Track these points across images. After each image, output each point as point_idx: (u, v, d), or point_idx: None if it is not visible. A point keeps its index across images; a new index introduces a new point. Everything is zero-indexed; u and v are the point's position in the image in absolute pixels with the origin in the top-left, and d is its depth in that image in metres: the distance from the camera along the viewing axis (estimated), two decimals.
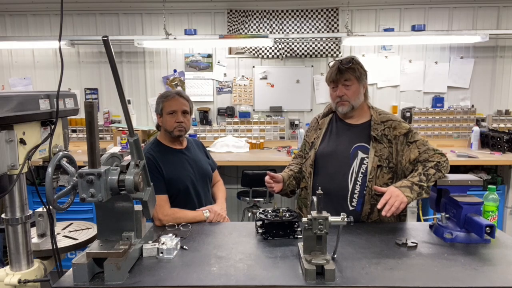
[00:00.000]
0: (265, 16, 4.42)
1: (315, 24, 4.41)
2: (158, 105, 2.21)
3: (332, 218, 1.39)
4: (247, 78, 4.57)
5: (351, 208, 1.95)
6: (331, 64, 2.04)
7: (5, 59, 4.57)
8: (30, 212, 1.50)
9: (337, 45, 4.43)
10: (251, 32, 4.43)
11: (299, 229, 1.71)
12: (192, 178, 2.18)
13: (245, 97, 4.61)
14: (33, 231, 1.67)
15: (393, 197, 1.74)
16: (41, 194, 1.47)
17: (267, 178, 2.04)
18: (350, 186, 1.95)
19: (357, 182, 1.94)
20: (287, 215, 1.75)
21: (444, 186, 1.82)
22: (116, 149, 4.17)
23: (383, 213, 1.73)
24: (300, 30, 4.42)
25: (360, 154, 1.96)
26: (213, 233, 1.82)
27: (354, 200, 1.95)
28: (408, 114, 4.44)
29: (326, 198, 1.51)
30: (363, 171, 1.94)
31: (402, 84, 4.52)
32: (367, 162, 1.94)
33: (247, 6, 4.41)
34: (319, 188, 1.43)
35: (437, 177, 1.83)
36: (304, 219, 1.41)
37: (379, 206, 1.75)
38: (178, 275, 1.38)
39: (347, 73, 1.94)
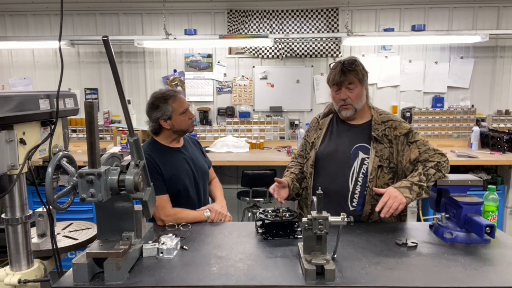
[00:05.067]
0: (265, 16, 4.42)
1: (315, 24, 4.41)
2: (162, 110, 2.07)
3: (332, 218, 1.39)
4: (247, 78, 4.57)
5: (351, 208, 1.94)
6: (332, 65, 2.00)
7: (5, 59, 4.57)
8: (30, 212, 1.51)
9: (337, 45, 4.43)
10: (251, 32, 4.43)
11: (299, 229, 1.71)
12: (191, 176, 2.16)
13: (245, 97, 4.61)
14: (33, 231, 1.67)
15: (392, 198, 1.75)
16: (41, 194, 1.47)
17: (273, 187, 2.00)
18: (351, 187, 1.95)
19: (358, 183, 1.94)
20: (287, 215, 1.75)
21: (444, 186, 1.82)
22: (116, 149, 4.17)
23: (382, 215, 1.73)
24: (300, 30, 4.42)
25: (361, 155, 1.96)
26: (213, 233, 1.82)
27: (354, 200, 1.95)
28: (408, 114, 4.44)
29: (326, 199, 1.51)
30: (364, 172, 1.94)
31: (402, 84, 4.53)
32: (368, 163, 1.93)
33: (247, 6, 4.41)
34: (319, 188, 1.43)
35: (437, 177, 1.83)
36: (304, 219, 1.41)
37: (377, 208, 1.75)
38: (178, 275, 1.38)
39: (351, 75, 1.92)
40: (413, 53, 4.48)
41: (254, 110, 4.63)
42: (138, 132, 4.11)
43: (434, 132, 4.52)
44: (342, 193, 1.95)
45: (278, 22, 4.43)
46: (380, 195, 1.80)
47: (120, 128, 4.39)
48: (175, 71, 4.59)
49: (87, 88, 4.61)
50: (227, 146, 4.31)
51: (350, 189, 1.95)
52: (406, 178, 1.86)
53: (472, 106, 4.50)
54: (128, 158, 1.49)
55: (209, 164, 2.40)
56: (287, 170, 2.17)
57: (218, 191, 2.35)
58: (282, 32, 4.42)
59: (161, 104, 2.08)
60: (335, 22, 4.39)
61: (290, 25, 4.43)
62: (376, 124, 1.98)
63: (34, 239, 1.64)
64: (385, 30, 4.23)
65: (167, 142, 2.17)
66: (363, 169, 1.94)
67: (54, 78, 4.54)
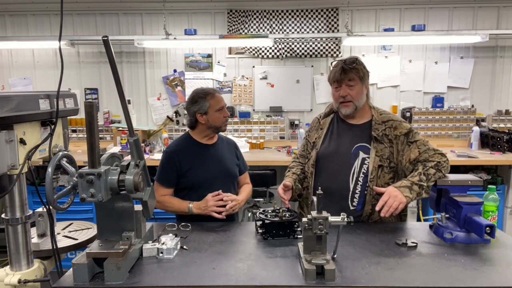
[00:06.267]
0: (265, 16, 4.42)
1: (315, 24, 4.41)
2: (200, 104, 2.17)
3: (332, 218, 1.39)
4: (247, 78, 4.57)
5: (352, 208, 1.95)
6: (333, 64, 2.02)
7: (5, 59, 4.57)
8: (30, 212, 1.51)
9: (337, 45, 4.43)
10: (251, 32, 4.43)
11: (299, 229, 1.71)
12: (211, 173, 2.17)
13: (245, 97, 4.61)
14: (33, 231, 1.67)
15: (392, 197, 1.75)
16: (41, 194, 1.47)
17: (280, 191, 1.99)
18: (351, 186, 1.95)
19: (358, 182, 1.94)
20: (287, 215, 1.75)
21: (444, 186, 1.82)
22: (116, 149, 4.17)
23: (382, 214, 1.73)
24: (300, 30, 4.42)
25: (361, 154, 1.96)
26: (213, 233, 1.82)
27: (355, 200, 1.95)
28: (408, 114, 4.43)
29: (327, 198, 1.51)
30: (364, 171, 1.94)
31: (402, 84, 4.52)
32: (368, 162, 1.94)
33: (247, 6, 4.41)
34: (320, 188, 1.43)
35: (437, 177, 1.83)
36: (304, 219, 1.42)
37: (377, 208, 1.75)
38: (178, 275, 1.38)
39: (351, 73, 1.93)
40: (413, 53, 4.47)
41: (254, 110, 4.63)
42: (138, 132, 4.12)
43: (434, 132, 4.52)
44: (342, 192, 1.96)
45: (278, 22, 4.43)
46: (380, 194, 1.80)
47: (120, 128, 4.39)
48: (175, 71, 4.59)
49: (87, 88, 4.60)
50: None
51: (351, 189, 1.95)
52: (406, 178, 1.86)
53: (472, 106, 4.50)
54: (128, 158, 1.50)
55: (242, 170, 2.39)
56: (289, 170, 2.17)
57: (244, 191, 2.34)
58: (282, 32, 4.42)
59: (200, 99, 2.19)
60: (335, 22, 4.39)
61: (290, 25, 4.43)
62: (376, 124, 1.98)
63: (34, 239, 1.64)
64: (385, 30, 4.23)
65: (200, 137, 2.24)
66: (364, 169, 1.94)
67: (54, 78, 4.54)
